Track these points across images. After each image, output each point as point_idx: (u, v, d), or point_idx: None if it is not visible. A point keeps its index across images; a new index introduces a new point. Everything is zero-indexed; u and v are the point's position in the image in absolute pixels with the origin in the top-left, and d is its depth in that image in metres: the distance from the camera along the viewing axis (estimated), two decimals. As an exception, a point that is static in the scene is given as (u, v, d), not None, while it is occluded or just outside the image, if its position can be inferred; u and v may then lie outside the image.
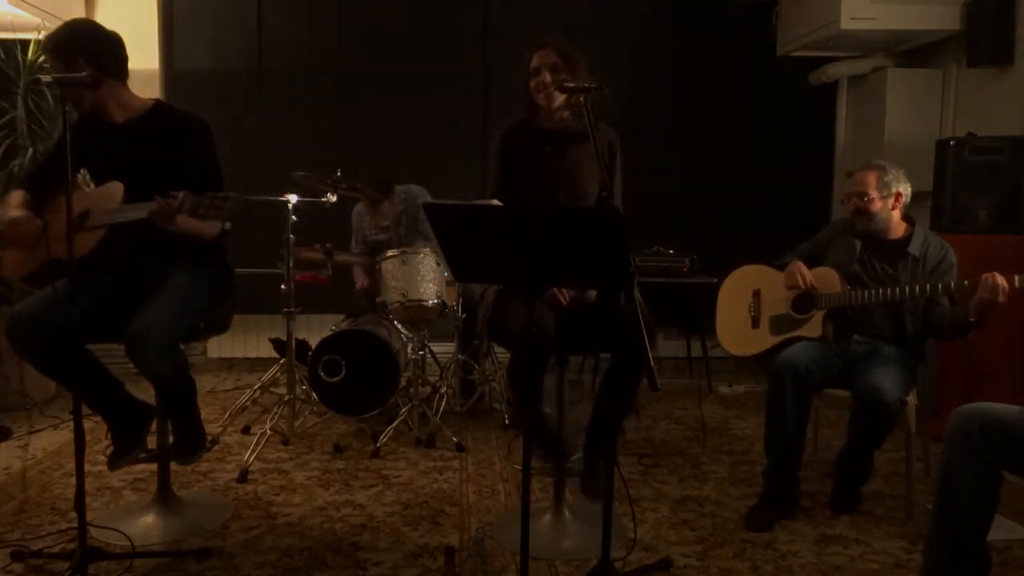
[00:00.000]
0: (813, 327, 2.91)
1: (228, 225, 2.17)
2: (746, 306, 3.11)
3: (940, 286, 2.68)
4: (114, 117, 2.50)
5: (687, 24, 5.07)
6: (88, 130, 2.51)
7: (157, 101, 2.59)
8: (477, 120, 5.00)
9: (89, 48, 2.40)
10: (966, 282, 2.59)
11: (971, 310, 2.56)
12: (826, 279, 2.91)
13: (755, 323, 3.08)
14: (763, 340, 3.04)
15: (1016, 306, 2.65)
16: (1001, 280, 2.47)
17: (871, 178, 2.85)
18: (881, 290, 2.77)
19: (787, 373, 2.71)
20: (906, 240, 2.88)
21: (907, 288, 2.73)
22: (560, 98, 2.54)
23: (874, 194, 2.84)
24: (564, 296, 2.62)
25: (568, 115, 2.60)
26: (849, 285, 2.86)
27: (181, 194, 2.17)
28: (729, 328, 3.17)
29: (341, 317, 4.12)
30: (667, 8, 5.08)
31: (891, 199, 2.85)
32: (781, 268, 3.03)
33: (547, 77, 2.53)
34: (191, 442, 2.59)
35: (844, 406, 2.81)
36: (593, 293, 2.63)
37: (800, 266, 2.94)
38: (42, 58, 4.30)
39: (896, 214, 2.88)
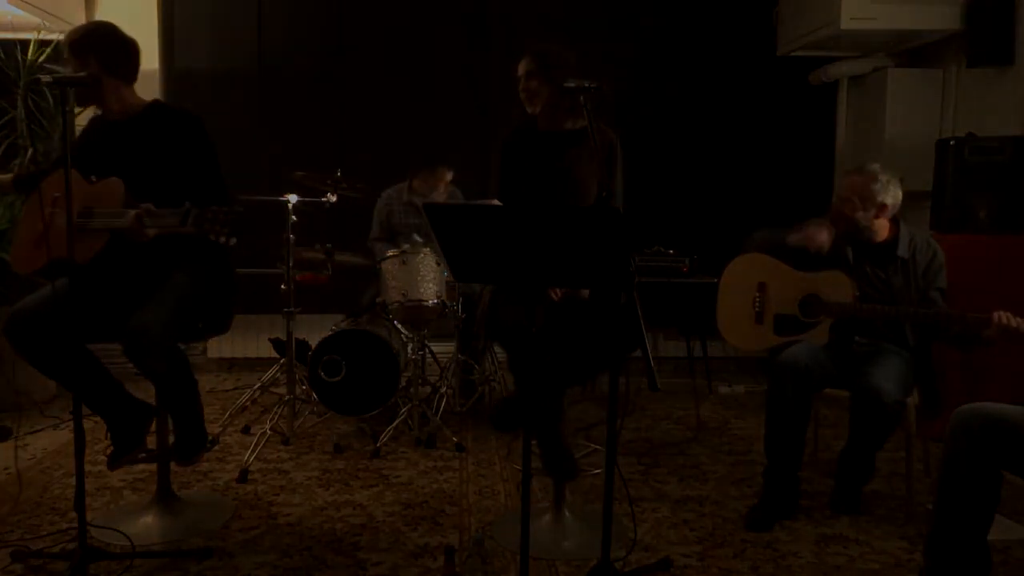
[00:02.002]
0: (819, 334, 2.84)
1: (233, 241, 2.17)
2: (750, 299, 3.02)
3: (950, 315, 2.63)
4: (115, 116, 2.53)
5: (687, 24, 5.06)
6: (93, 128, 2.54)
7: (154, 100, 2.61)
8: (477, 120, 5.00)
9: (103, 48, 2.45)
10: (976, 316, 2.54)
11: (984, 336, 2.54)
12: (837, 286, 2.83)
13: (758, 319, 3.00)
14: (765, 338, 2.97)
15: (1018, 307, 2.64)
16: (1014, 323, 2.45)
17: (857, 185, 2.82)
18: (892, 309, 2.74)
19: (788, 372, 2.71)
20: (893, 242, 2.86)
21: (918, 312, 2.72)
22: (539, 104, 2.65)
23: (856, 202, 2.81)
24: (556, 293, 2.64)
25: (559, 114, 2.66)
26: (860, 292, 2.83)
27: (186, 206, 2.17)
28: (730, 318, 3.08)
29: (341, 317, 4.12)
30: (667, 8, 5.07)
31: (873, 210, 2.81)
32: (779, 247, 2.97)
33: (523, 84, 2.67)
34: (192, 443, 2.59)
35: (844, 406, 2.81)
36: (586, 291, 2.64)
37: (821, 227, 2.89)
38: (42, 58, 4.30)
39: (880, 221, 2.85)
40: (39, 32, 4.32)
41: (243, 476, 3.11)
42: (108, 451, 2.52)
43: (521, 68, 2.68)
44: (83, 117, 2.86)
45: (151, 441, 2.62)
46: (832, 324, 2.83)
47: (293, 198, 3.56)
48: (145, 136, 2.48)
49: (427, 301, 3.55)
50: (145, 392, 2.60)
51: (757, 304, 3.01)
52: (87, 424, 2.26)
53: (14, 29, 4.26)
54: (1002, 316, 2.46)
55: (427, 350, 4.06)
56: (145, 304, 2.35)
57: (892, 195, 2.82)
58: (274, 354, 4.25)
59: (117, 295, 2.46)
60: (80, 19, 4.55)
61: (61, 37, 2.53)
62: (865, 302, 2.79)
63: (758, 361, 3.06)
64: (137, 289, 2.42)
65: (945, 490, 1.93)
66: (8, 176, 2.67)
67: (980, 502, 1.90)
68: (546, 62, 2.61)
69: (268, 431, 3.46)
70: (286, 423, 3.61)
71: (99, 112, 2.60)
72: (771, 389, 2.77)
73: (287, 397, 3.64)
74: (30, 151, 4.21)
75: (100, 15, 4.77)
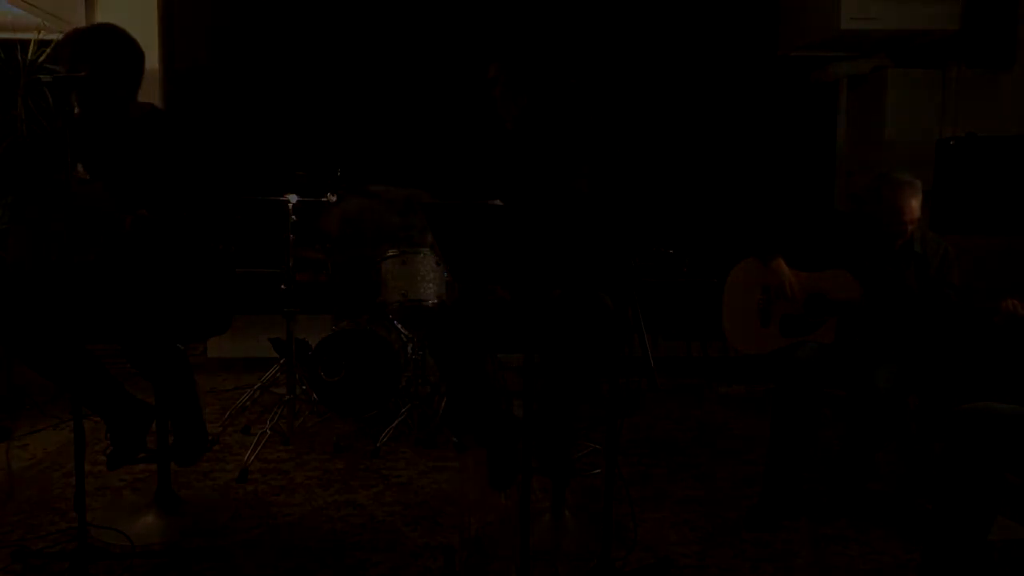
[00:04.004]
0: (827, 332, 2.85)
1: (233, 248, 2.19)
2: (755, 302, 3.03)
3: (958, 305, 2.65)
4: (114, 119, 2.52)
5: (687, 24, 5.07)
6: (87, 129, 2.53)
7: (152, 106, 2.60)
8: (478, 120, 4.99)
9: (116, 54, 2.45)
10: (983, 305, 2.58)
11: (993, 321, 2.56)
12: (841, 284, 2.84)
13: (764, 321, 3.01)
14: (773, 340, 2.97)
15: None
16: (1022, 311, 2.48)
17: (916, 203, 2.79)
18: (899, 303, 2.75)
19: (796, 372, 2.70)
20: (907, 240, 2.87)
21: (926, 304, 2.72)
22: (514, 111, 2.65)
23: (918, 218, 2.82)
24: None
25: (538, 115, 2.66)
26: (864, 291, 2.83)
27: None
28: (736, 324, 3.09)
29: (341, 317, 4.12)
30: (667, 8, 5.08)
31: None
32: (763, 258, 3.00)
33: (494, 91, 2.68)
34: (192, 444, 2.59)
35: (845, 406, 2.81)
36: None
37: (789, 277, 2.92)
38: (42, 58, 4.30)
39: None
40: (39, 32, 4.31)
41: (243, 476, 3.11)
42: (108, 451, 2.52)
43: (490, 73, 2.67)
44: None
45: (151, 441, 2.61)
46: (838, 322, 2.84)
47: (293, 198, 3.56)
48: (142, 141, 2.48)
49: (427, 301, 3.55)
50: (144, 392, 2.60)
51: (762, 307, 3.01)
52: (87, 424, 2.26)
53: (14, 29, 4.26)
54: (1009, 303, 2.50)
55: (427, 350, 4.06)
56: (142, 304, 2.35)
57: None
58: (274, 354, 4.25)
59: (115, 295, 2.46)
60: (80, 19, 4.54)
61: (61, 37, 2.52)
62: (876, 299, 2.80)
63: (759, 361, 3.08)
64: (135, 290, 2.43)
65: (945, 490, 1.93)
66: None
67: (980, 502, 1.90)
68: (509, 68, 2.61)
69: (268, 431, 3.46)
70: (286, 423, 3.61)
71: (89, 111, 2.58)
72: (778, 388, 2.76)
73: (287, 397, 3.64)
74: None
75: (100, 15, 4.77)
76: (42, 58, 4.30)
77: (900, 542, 2.59)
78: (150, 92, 2.68)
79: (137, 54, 2.51)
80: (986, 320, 2.58)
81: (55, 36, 4.35)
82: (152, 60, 4.82)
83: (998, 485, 1.90)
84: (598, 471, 3.19)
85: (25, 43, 4.31)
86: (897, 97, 4.50)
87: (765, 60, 5.05)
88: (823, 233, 3.01)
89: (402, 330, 3.97)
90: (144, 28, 4.79)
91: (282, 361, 3.85)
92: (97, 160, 2.49)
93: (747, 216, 5.04)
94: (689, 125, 5.11)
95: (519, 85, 2.60)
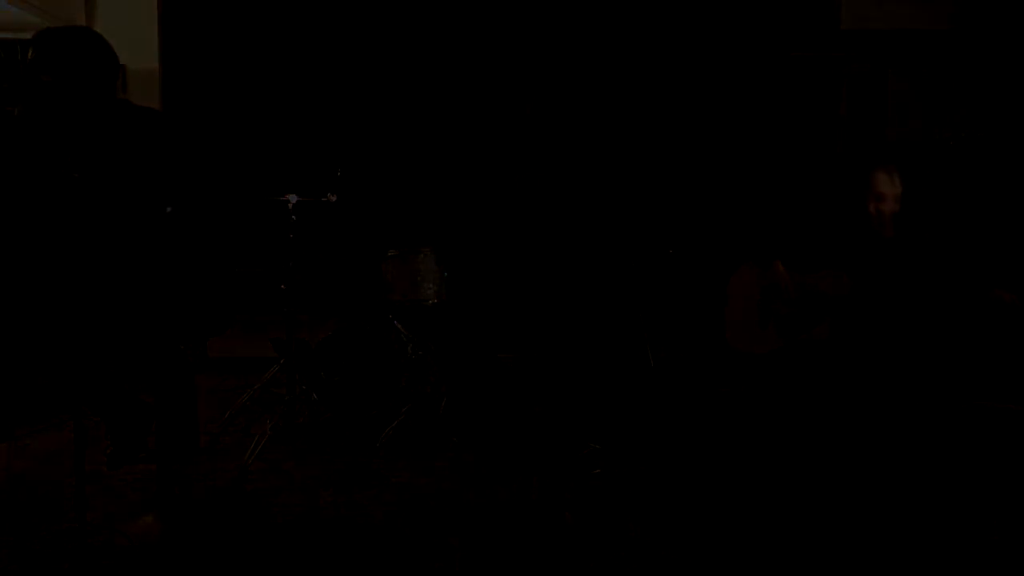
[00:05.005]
0: (824, 331, 2.87)
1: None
2: (754, 304, 3.07)
3: (949, 297, 2.66)
4: (92, 119, 2.51)
5: (688, 24, 5.07)
6: (77, 129, 2.54)
7: (123, 100, 2.59)
8: (479, 119, 5.00)
9: (95, 57, 2.45)
10: (974, 295, 2.58)
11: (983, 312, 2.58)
12: (836, 282, 2.87)
13: (763, 323, 3.05)
14: (771, 340, 3.00)
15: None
16: (1008, 298, 2.50)
17: (885, 177, 2.84)
18: (892, 298, 2.75)
19: (795, 373, 2.71)
20: (899, 235, 2.89)
21: (918, 298, 2.72)
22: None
23: (893, 201, 2.84)
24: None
25: None
26: (857, 288, 2.84)
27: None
28: (736, 325, 3.13)
29: (341, 317, 4.12)
30: (668, 8, 5.08)
31: (896, 204, 2.86)
32: (763, 263, 3.02)
33: None
34: (182, 446, 2.59)
35: (843, 405, 2.81)
36: None
37: (786, 279, 2.92)
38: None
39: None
40: (39, 32, 4.31)
41: (243, 476, 3.11)
42: (108, 451, 2.52)
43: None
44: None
45: (151, 441, 2.62)
46: (833, 320, 2.85)
47: (293, 198, 3.56)
48: (112, 138, 2.48)
49: (427, 301, 3.56)
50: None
51: (760, 309, 3.04)
52: (87, 424, 2.26)
53: (14, 29, 4.26)
54: (995, 292, 2.51)
55: (427, 350, 4.06)
56: (143, 306, 2.35)
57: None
58: (274, 354, 4.25)
59: (114, 296, 2.46)
60: (80, 19, 4.54)
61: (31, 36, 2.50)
62: (869, 296, 2.81)
63: (758, 361, 3.10)
64: (135, 290, 2.43)
65: (944, 490, 1.94)
66: None
67: (979, 501, 1.90)
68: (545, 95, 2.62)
69: (268, 431, 3.46)
70: (286, 423, 3.61)
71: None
72: (779, 389, 2.77)
73: (287, 397, 3.64)
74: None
75: (100, 15, 4.77)
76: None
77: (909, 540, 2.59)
78: (150, 92, 2.67)
79: (108, 56, 2.50)
80: (975, 313, 2.59)
81: (55, 36, 4.35)
82: (152, 60, 4.85)
83: (998, 484, 1.91)
84: (598, 471, 3.19)
85: (25, 43, 4.31)
86: (897, 97, 4.51)
87: (765, 61, 5.05)
88: (819, 233, 3.02)
89: (402, 330, 3.98)
90: (144, 28, 4.80)
91: (282, 361, 3.85)
92: (91, 160, 2.49)
93: (746, 217, 5.05)
94: (688, 124, 5.11)
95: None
